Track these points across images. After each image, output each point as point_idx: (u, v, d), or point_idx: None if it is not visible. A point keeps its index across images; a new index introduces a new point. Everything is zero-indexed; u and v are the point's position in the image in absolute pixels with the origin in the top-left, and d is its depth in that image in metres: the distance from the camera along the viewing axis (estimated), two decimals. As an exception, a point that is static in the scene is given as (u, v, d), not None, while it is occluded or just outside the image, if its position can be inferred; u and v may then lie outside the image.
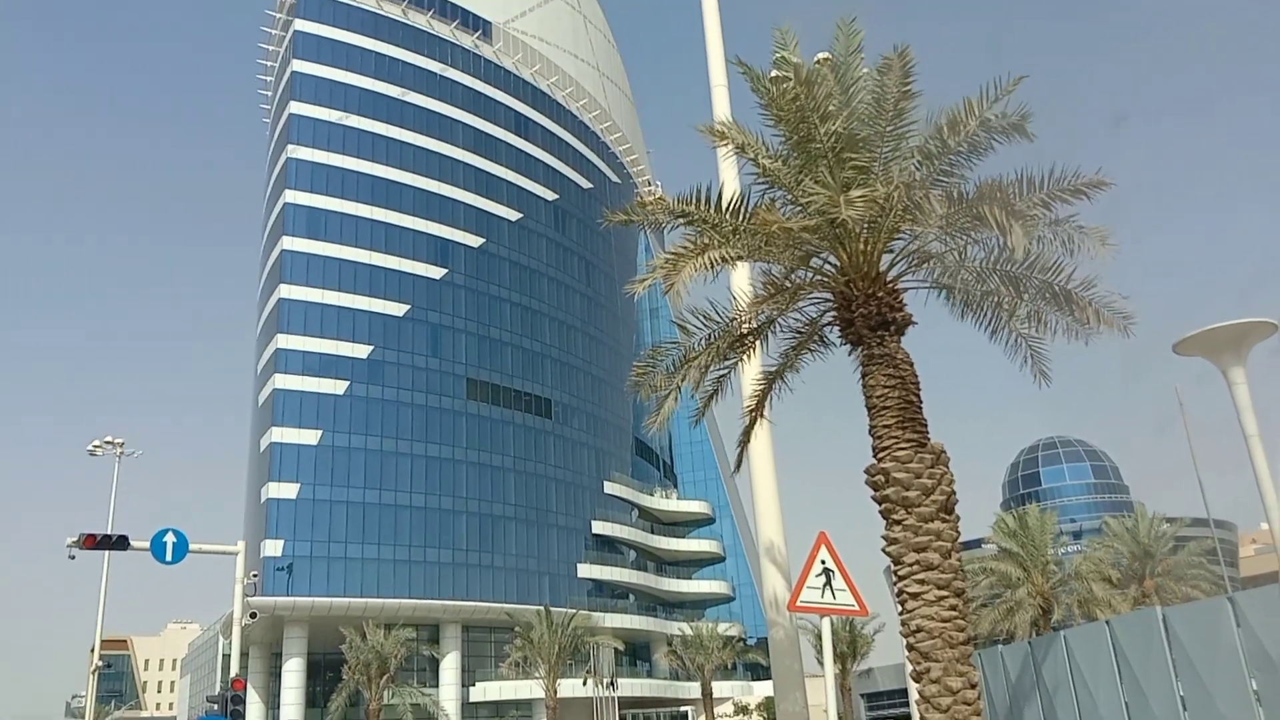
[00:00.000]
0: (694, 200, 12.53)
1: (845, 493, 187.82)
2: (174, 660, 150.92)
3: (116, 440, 50.07)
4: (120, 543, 26.92)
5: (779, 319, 13.62)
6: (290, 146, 76.59)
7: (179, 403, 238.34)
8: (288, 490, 68.94)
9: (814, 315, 13.47)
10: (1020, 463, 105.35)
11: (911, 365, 12.04)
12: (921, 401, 11.97)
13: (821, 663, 13.14)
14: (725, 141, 12.98)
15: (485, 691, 73.18)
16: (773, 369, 14.22)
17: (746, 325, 13.57)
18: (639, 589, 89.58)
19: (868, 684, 46.03)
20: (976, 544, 53.44)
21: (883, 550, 11.68)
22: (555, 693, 59.36)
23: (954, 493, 11.56)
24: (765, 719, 73.09)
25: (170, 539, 26.59)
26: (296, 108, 77.63)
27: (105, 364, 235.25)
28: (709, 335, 13.48)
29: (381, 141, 79.99)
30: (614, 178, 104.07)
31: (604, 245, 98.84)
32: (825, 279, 12.82)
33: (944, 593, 11.00)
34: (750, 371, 14.44)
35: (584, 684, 65.35)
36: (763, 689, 79.95)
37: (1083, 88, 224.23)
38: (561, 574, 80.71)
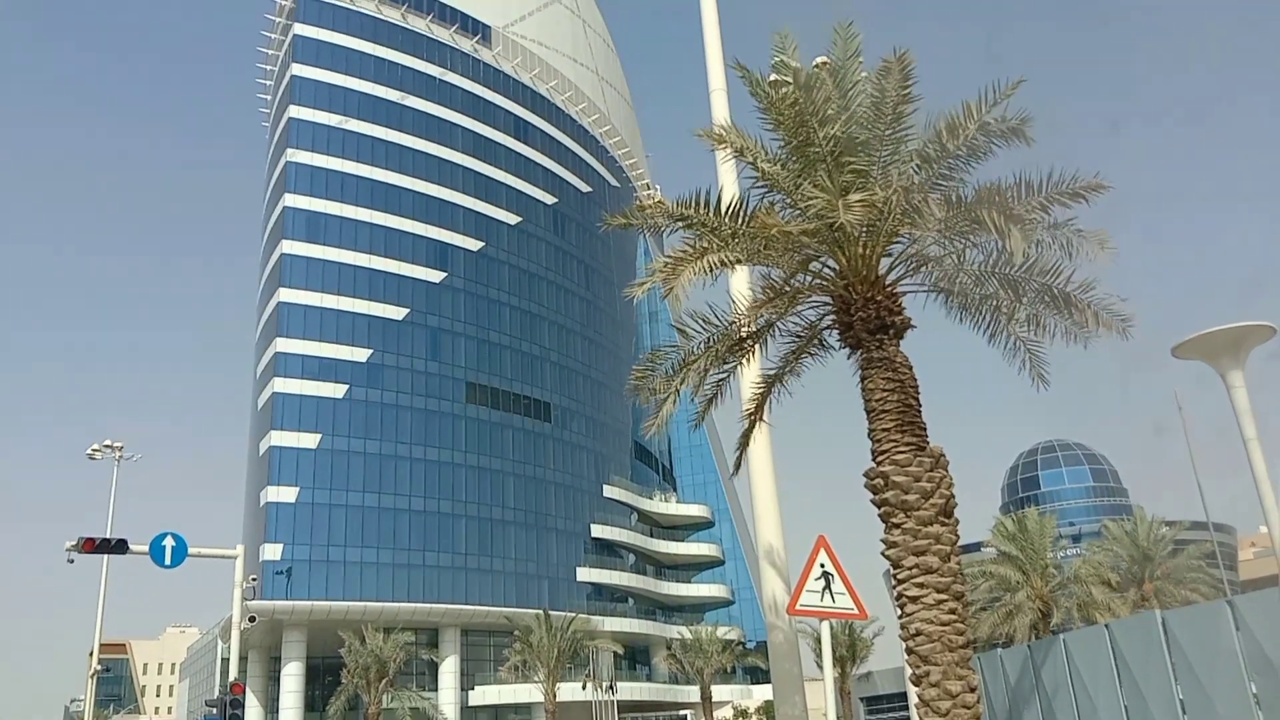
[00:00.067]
0: (693, 204, 12.55)
1: (844, 496, 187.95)
2: (173, 664, 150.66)
3: (116, 444, 50.04)
4: (119, 546, 26.90)
5: (778, 323, 13.63)
6: (290, 150, 76.66)
7: (178, 406, 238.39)
8: (287, 494, 68.93)
9: (813, 319, 13.48)
10: (1019, 466, 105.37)
11: (910, 369, 12.05)
12: (920, 405, 11.98)
13: (821, 666, 13.14)
14: (724, 145, 12.99)
15: (484, 695, 73.12)
16: (772, 372, 14.23)
17: (746, 329, 13.57)
18: (638, 592, 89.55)
19: (867, 687, 45.91)
20: (976, 547, 53.34)
21: (882, 554, 11.68)
22: (554, 696, 59.33)
23: (953, 496, 11.56)
24: (765, 723, 72.99)
25: (169, 543, 26.58)
26: (296, 112, 77.70)
27: (105, 368, 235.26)
28: (708, 339, 13.49)
29: (381, 145, 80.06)
30: (613, 182, 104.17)
31: (603, 249, 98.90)
32: (824, 283, 12.84)
33: (943, 596, 11.00)
34: (749, 375, 14.44)
35: (583, 688, 65.28)
36: (762, 692, 79.91)
37: (1080, 90, 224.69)
38: (561, 578, 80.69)
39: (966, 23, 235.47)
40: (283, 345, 72.22)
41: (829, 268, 12.76)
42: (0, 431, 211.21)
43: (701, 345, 13.50)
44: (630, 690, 77.56)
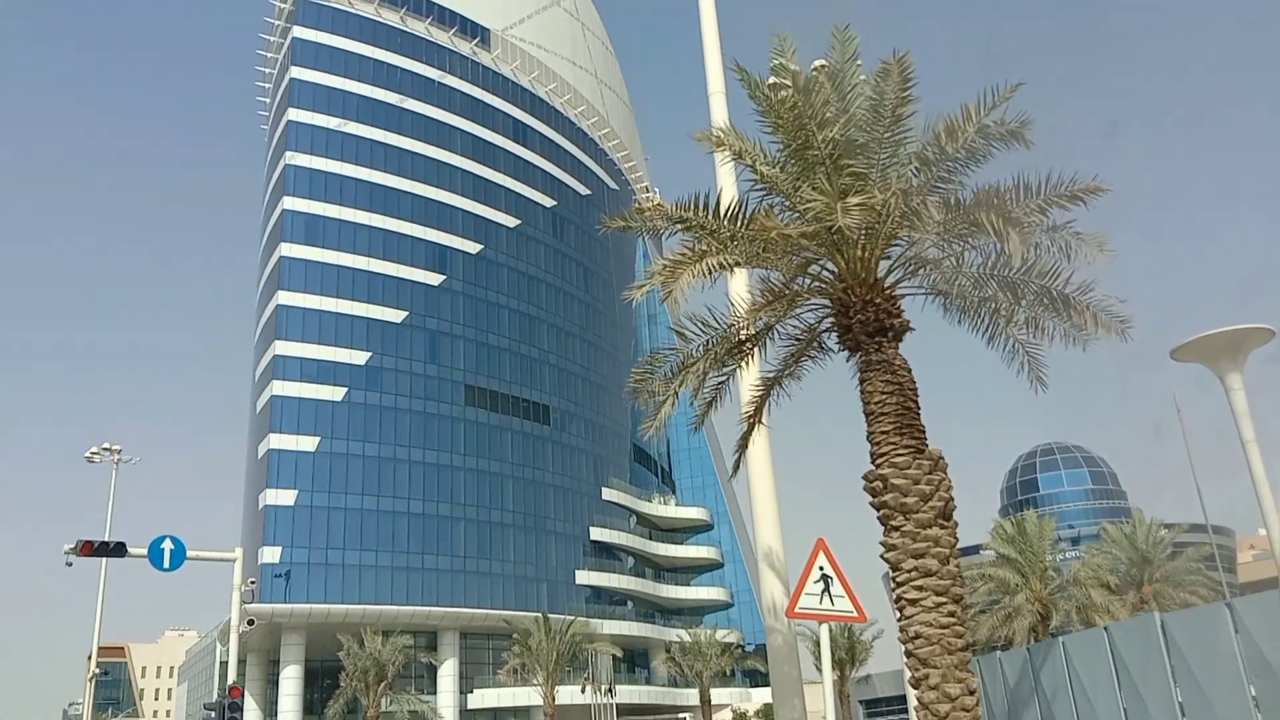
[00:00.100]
0: (692, 207, 12.55)
1: (843, 499, 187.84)
2: (171, 667, 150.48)
3: (114, 447, 50.08)
4: (118, 549, 26.85)
5: (777, 325, 13.63)
6: (288, 153, 76.67)
7: (177, 409, 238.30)
8: (286, 497, 68.87)
9: (812, 321, 13.48)
10: (1018, 469, 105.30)
11: (909, 371, 12.05)
12: (919, 407, 11.98)
13: (820, 669, 13.13)
14: (723, 148, 13.00)
15: (483, 698, 73.03)
16: (771, 375, 14.22)
17: (745, 331, 13.57)
18: (637, 595, 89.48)
19: (866, 690, 45.88)
20: (975, 550, 53.37)
21: (881, 556, 11.67)
22: (553, 699, 59.27)
23: (952, 499, 11.56)
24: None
25: (168, 546, 26.52)
26: (295, 114, 77.70)
27: (104, 370, 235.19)
28: (707, 341, 13.48)
29: (380, 148, 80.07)
30: (612, 184, 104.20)
31: (602, 251, 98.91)
32: (823, 285, 12.84)
33: (942, 599, 11.00)
34: (748, 378, 14.43)
35: (582, 691, 65.21)
36: (761, 695, 79.83)
37: (1079, 92, 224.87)
38: (559, 580, 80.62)
39: (965, 24, 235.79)
40: (282, 348, 72.18)
41: (828, 270, 12.76)
42: (0, 432, 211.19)
43: (700, 348, 13.50)
44: (629, 693, 77.50)
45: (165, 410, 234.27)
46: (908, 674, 11.30)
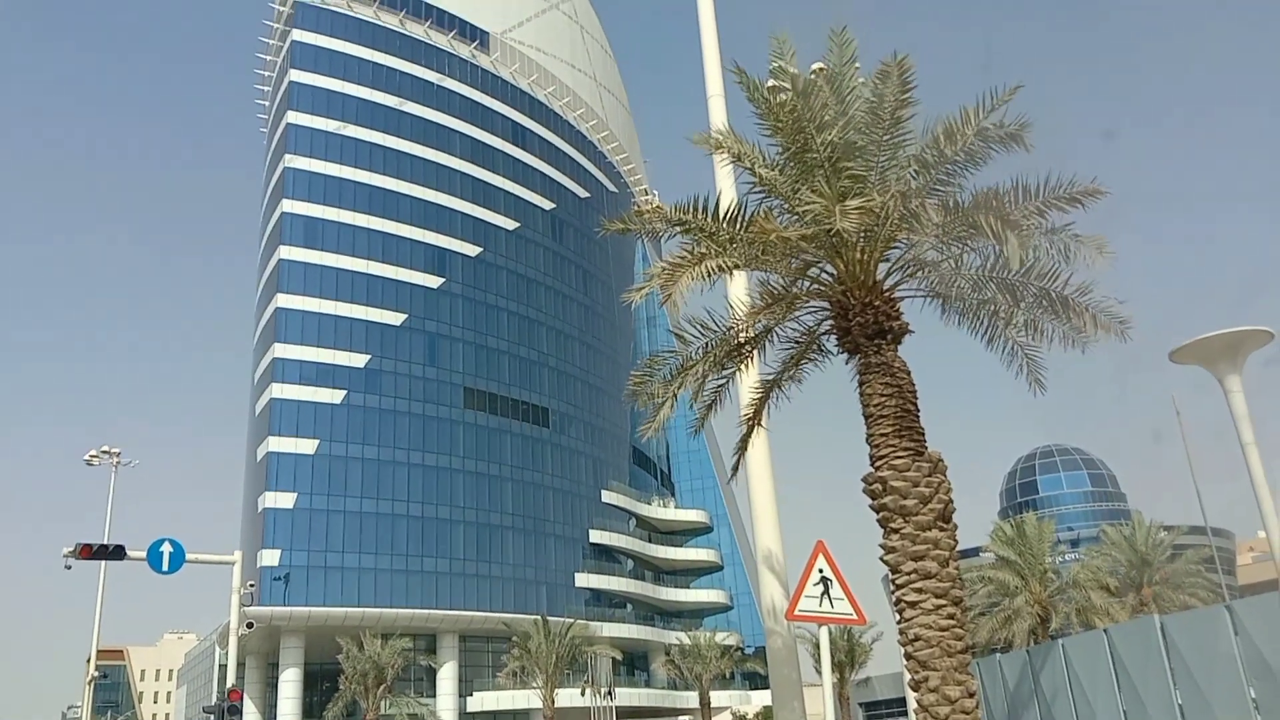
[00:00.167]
0: (691, 209, 12.56)
1: (843, 501, 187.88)
2: (170, 670, 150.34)
3: (113, 450, 49.98)
4: (116, 552, 26.81)
5: (776, 328, 13.63)
6: (288, 156, 76.69)
7: (176, 412, 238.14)
8: (285, 500, 68.85)
9: (811, 324, 13.48)
10: (1018, 471, 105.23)
11: (908, 374, 12.05)
12: (919, 410, 11.98)
13: (820, 672, 13.13)
14: (722, 151, 13.01)
15: (483, 701, 72.97)
16: (770, 378, 14.22)
17: (744, 334, 13.57)
18: (637, 598, 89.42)
19: (866, 693, 45.89)
20: (974, 552, 53.40)
21: (880, 559, 11.67)
22: (553, 702, 59.24)
23: (951, 501, 11.56)
24: (763, 728, 72.84)
25: (167, 549, 26.49)
26: (294, 117, 77.73)
27: (103, 373, 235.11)
28: (706, 344, 13.48)
29: (379, 151, 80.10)
30: (611, 187, 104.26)
31: (601, 254, 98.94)
32: (822, 288, 12.84)
33: (942, 601, 10.99)
34: (748, 380, 14.43)
35: (582, 693, 65.15)
36: (761, 698, 79.75)
37: (1078, 93, 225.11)
38: (559, 583, 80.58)
39: (964, 25, 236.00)
40: (281, 350, 72.17)
41: (827, 273, 12.77)
42: (0, 432, 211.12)
43: (700, 351, 13.50)
44: (629, 696, 77.43)
45: (165, 411, 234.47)
46: (907, 676, 11.30)
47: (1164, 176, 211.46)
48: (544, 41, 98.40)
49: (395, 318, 76.97)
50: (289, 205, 75.63)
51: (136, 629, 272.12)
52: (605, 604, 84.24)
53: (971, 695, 10.82)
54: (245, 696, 60.55)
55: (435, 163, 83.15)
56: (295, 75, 78.97)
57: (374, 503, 71.86)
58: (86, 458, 49.59)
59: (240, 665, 48.36)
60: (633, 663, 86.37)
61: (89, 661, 48.05)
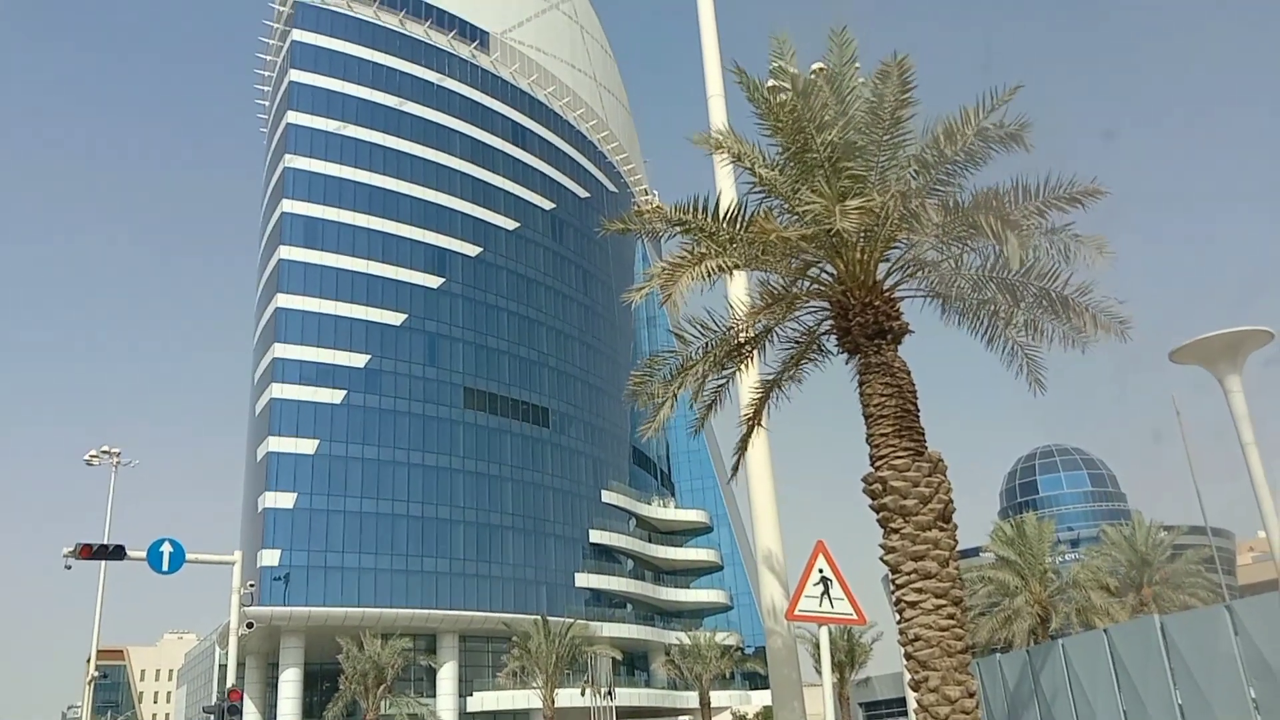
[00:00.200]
0: (691, 209, 12.56)
1: (843, 501, 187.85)
2: (170, 670, 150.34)
3: (113, 450, 49.96)
4: (116, 552, 26.81)
5: (776, 328, 13.62)
6: (288, 156, 76.69)
7: (176, 412, 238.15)
8: (285, 500, 68.84)
9: (811, 324, 13.48)
10: (1018, 471, 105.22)
11: (908, 374, 12.04)
12: (919, 410, 11.98)
13: (820, 672, 13.13)
14: (722, 151, 13.01)
15: (483, 701, 72.96)
16: (770, 377, 14.22)
17: (744, 334, 13.57)
18: (636, 598, 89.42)
19: (866, 693, 45.91)
20: (974, 552, 53.39)
21: (880, 559, 11.67)
22: (553, 702, 59.23)
23: (951, 501, 11.55)
24: (763, 728, 72.82)
25: (167, 549, 26.49)
26: (294, 117, 77.73)
27: (103, 373, 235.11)
28: (706, 344, 13.48)
29: (379, 151, 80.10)
30: (611, 187, 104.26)
31: (601, 254, 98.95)
32: (822, 288, 12.84)
33: (942, 601, 10.99)
34: (748, 380, 14.42)
35: (582, 694, 65.16)
36: (761, 698, 79.75)
37: (1078, 93, 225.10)
38: (559, 583, 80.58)
39: (964, 25, 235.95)
40: (281, 350, 72.17)
41: (827, 273, 12.77)
42: (0, 432, 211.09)
43: (700, 351, 13.50)
44: (629, 696, 77.43)
45: (165, 411, 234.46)
46: (907, 676, 11.29)
47: (1164, 176, 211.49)
48: (544, 41, 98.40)
49: (395, 318, 76.98)
50: (289, 205, 75.63)
51: (136, 629, 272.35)
52: (605, 604, 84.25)
53: (971, 695, 10.82)
54: (245, 696, 60.55)
55: (435, 163, 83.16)
56: (295, 75, 78.98)
57: (374, 503, 71.86)
58: (86, 458, 49.58)
59: (240, 665, 48.35)
60: (633, 663, 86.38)
61: (89, 661, 48.06)
